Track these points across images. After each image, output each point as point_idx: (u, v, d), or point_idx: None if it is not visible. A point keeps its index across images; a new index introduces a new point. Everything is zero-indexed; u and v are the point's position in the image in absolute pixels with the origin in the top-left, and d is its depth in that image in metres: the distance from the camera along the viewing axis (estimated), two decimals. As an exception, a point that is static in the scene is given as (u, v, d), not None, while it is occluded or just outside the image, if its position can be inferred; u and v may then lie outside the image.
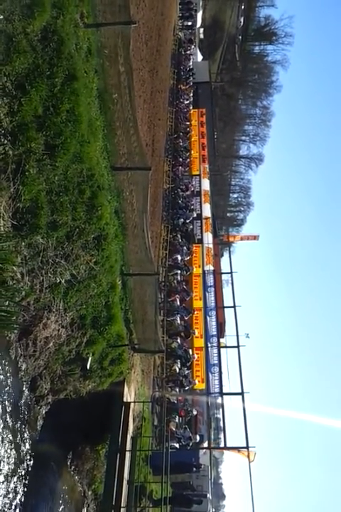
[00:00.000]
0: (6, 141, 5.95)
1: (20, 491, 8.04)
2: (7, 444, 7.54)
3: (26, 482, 8.20)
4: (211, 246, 25.49)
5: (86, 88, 8.12)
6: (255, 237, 41.24)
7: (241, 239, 42.75)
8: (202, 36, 58.70)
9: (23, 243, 6.58)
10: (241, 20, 66.95)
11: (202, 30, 57.73)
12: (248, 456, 16.07)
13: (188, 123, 32.04)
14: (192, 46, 41.33)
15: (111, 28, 9.56)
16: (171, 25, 32.89)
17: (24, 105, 6.05)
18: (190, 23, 44.72)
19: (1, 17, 5.67)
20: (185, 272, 21.42)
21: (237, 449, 16.89)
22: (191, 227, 25.00)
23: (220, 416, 20.80)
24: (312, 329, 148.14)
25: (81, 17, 8.11)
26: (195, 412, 18.04)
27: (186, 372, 17.99)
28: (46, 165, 6.68)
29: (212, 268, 24.17)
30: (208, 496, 18.08)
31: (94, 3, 8.86)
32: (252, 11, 67.68)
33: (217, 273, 26.46)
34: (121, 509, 9.89)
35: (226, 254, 41.00)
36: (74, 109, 7.15)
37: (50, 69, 6.57)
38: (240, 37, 67.09)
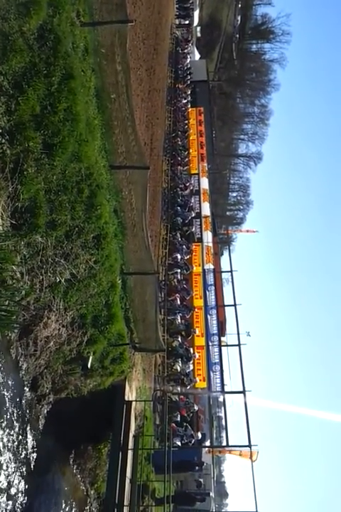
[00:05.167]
0: (3, 141, 5.95)
1: (23, 491, 8.05)
2: (9, 444, 7.55)
3: (29, 481, 8.21)
4: (211, 245, 25.46)
5: (83, 87, 8.11)
6: (254, 231, 41.29)
7: (241, 231, 42.85)
8: (199, 35, 58.69)
9: (22, 242, 6.58)
10: (239, 18, 66.95)
11: (199, 28, 57.72)
12: (250, 456, 16.01)
13: (186, 122, 32.03)
14: (190, 45, 41.34)
15: (108, 27, 9.56)
16: (168, 23, 32.92)
17: (21, 104, 6.05)
18: (187, 22, 44.84)
19: (-3, 16, 5.67)
20: (185, 271, 21.40)
21: (239, 448, 16.83)
22: (192, 229, 25.00)
23: (222, 414, 20.81)
24: (314, 324, 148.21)
25: (77, 15, 8.10)
26: (196, 408, 18.02)
27: (189, 368, 17.99)
28: (44, 164, 6.67)
29: (212, 267, 24.12)
30: (211, 494, 18.09)
31: (90, 1, 8.85)
32: (249, 9, 67.61)
33: (217, 271, 26.40)
34: (124, 508, 9.88)
35: (226, 253, 41.05)
36: (72, 108, 7.14)
37: (47, 68, 6.56)
38: (237, 35, 67.04)
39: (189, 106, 34.56)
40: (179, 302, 19.34)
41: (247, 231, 40.94)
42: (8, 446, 7.51)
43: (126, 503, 10.02)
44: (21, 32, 6.03)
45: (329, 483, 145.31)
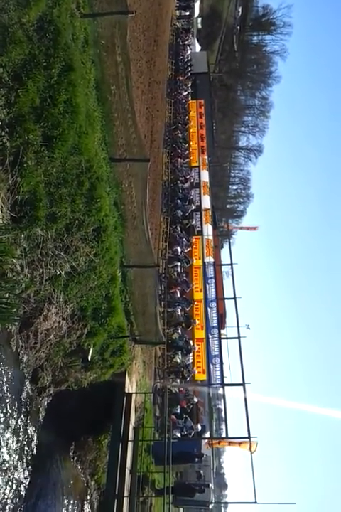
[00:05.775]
0: (3, 133, 5.93)
1: (24, 482, 8.11)
2: (10, 436, 7.59)
3: (29, 473, 8.27)
4: (211, 238, 25.44)
5: (83, 79, 8.06)
6: (254, 228, 41.14)
7: (241, 228, 42.67)
8: (199, 26, 58.32)
9: (22, 235, 6.58)
10: (239, 9, 66.46)
11: (199, 20, 57.36)
12: (249, 447, 16.08)
13: (187, 114, 31.90)
14: (190, 36, 41.08)
15: (108, 18, 9.47)
16: (169, 15, 32.68)
17: (21, 96, 6.02)
18: (187, 13, 44.53)
19: (-4, 7, 5.63)
20: (185, 264, 21.39)
21: (239, 439, 16.89)
22: (192, 222, 25.01)
23: (222, 407, 20.90)
24: (314, 319, 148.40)
25: (77, 7, 8.03)
26: (196, 400, 18.10)
27: (189, 361, 18.05)
28: (44, 157, 6.65)
29: (212, 260, 24.12)
30: (210, 485, 18.17)
31: (90, -8, 8.77)
32: (250, 0, 67.11)
33: (217, 264, 26.38)
34: (124, 498, 9.96)
35: (226, 246, 41.02)
36: (72, 100, 7.10)
37: (47, 60, 6.52)
38: (238, 27, 66.59)
39: (189, 98, 34.41)
40: (179, 295, 19.37)
41: (248, 228, 40.63)
42: (8, 438, 7.55)
43: (126, 494, 10.10)
44: (21, 23, 5.99)
45: (328, 480, 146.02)
